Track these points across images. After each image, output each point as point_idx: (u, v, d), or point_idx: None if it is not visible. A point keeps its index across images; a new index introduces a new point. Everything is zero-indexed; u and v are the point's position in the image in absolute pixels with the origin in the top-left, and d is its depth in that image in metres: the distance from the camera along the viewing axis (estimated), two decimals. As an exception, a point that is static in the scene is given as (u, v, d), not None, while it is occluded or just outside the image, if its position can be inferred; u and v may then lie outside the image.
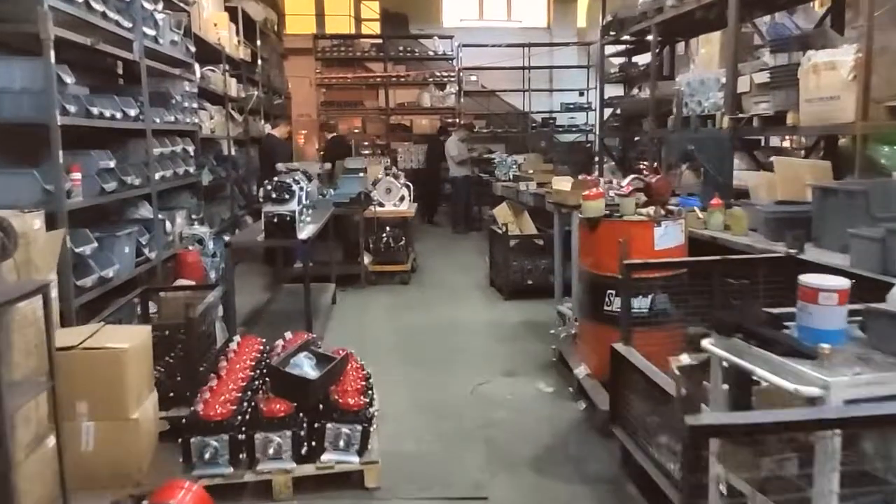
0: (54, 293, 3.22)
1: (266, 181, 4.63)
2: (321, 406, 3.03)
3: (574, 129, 14.28)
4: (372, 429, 3.06)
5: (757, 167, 6.10)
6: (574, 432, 3.61)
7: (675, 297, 3.51)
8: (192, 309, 3.41)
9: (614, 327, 3.80)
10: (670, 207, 3.89)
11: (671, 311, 3.64)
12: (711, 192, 4.64)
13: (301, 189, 4.65)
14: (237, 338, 3.85)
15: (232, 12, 9.09)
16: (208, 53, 7.54)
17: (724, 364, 2.08)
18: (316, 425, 2.97)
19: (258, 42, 10.74)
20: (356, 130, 13.60)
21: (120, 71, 6.02)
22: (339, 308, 6.36)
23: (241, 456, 2.92)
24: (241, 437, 2.89)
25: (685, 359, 3.13)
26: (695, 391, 2.65)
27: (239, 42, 9.30)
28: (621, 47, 10.45)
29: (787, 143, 8.27)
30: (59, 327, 3.34)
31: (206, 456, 2.86)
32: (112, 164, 4.56)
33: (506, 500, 2.98)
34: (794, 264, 3.17)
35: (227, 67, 8.28)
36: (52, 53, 3.74)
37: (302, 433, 2.92)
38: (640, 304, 3.66)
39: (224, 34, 8.11)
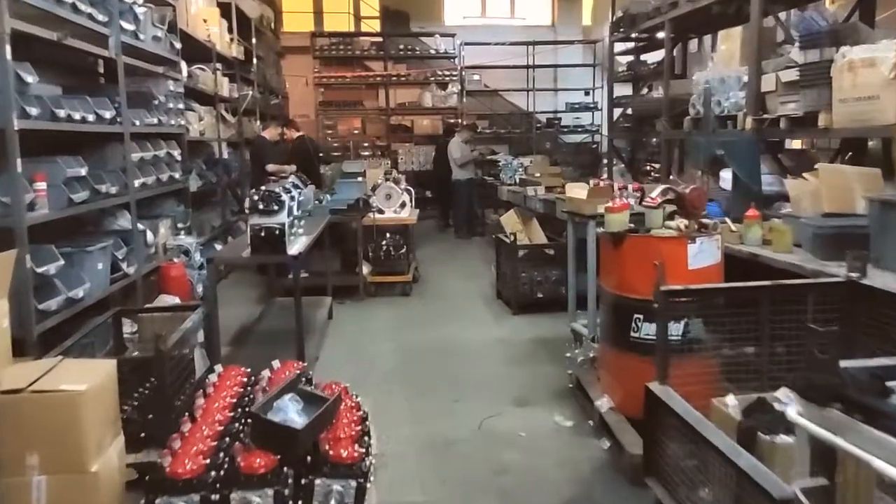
0: (5, 323, 2.82)
1: (252, 190, 4.21)
2: (309, 458, 2.61)
3: (579, 129, 13.88)
4: (368, 484, 2.63)
5: (783, 172, 5.69)
6: (599, 480, 3.18)
7: (711, 322, 3.09)
8: (164, 340, 2.98)
9: (642, 356, 3.40)
10: (704, 220, 3.46)
11: (705, 337, 3.23)
12: (742, 202, 4.21)
13: (292, 199, 4.22)
14: (218, 367, 3.43)
15: (225, 8, 8.67)
16: (197, 51, 7.13)
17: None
18: (303, 482, 2.55)
19: (253, 40, 10.34)
20: (356, 131, 13.20)
21: (102, 70, 5.59)
22: (335, 324, 5.94)
23: (215, 519, 2.50)
24: (215, 496, 2.46)
25: (731, 401, 2.73)
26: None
27: (232, 39, 8.89)
28: (629, 45, 10.04)
29: (803, 145, 7.87)
30: (14, 360, 2.94)
31: (175, 519, 2.44)
32: (83, 171, 4.15)
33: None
34: (854, 290, 2.75)
35: (218, 66, 7.86)
36: (9, 49, 3.34)
37: (286, 492, 2.49)
38: (672, 330, 3.23)
39: (215, 31, 7.69)
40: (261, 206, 4.00)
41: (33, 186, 3.64)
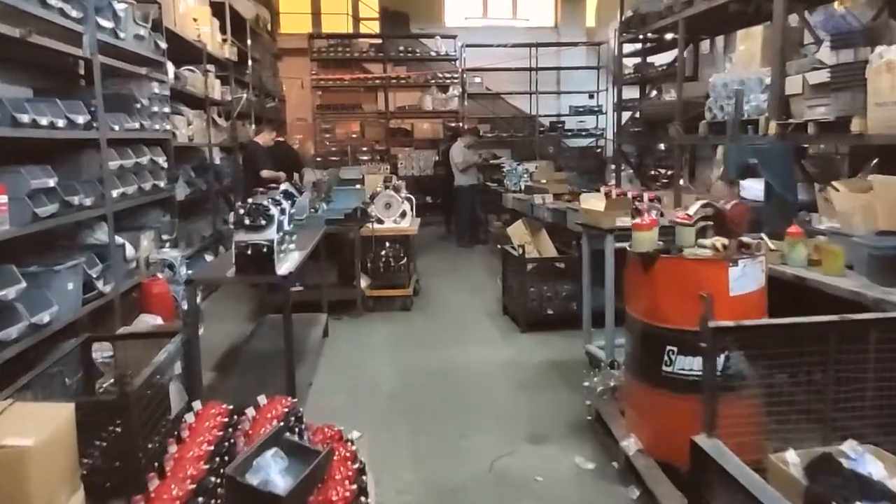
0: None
1: (239, 203, 3.82)
2: (296, 526, 2.22)
3: (584, 133, 13.50)
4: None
5: (809, 182, 5.32)
6: (630, 539, 2.80)
7: (757, 356, 2.71)
8: (129, 381, 2.59)
9: (675, 392, 3.01)
10: (745, 239, 3.06)
11: (748, 373, 2.85)
12: (778, 215, 3.83)
13: (282, 212, 3.83)
14: (197, 404, 3.03)
15: (218, 8, 8.29)
16: (186, 51, 6.74)
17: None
18: (288, 555, 2.17)
19: (248, 41, 9.97)
20: (354, 135, 12.82)
21: (83, 71, 5.20)
22: (331, 342, 5.54)
23: None
24: (183, 576, 2.08)
25: (792, 458, 2.34)
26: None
27: (225, 40, 8.51)
28: (636, 46, 9.68)
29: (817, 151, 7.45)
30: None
31: None
32: (51, 182, 3.76)
33: None
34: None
35: (209, 67, 7.47)
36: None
37: (268, 568, 2.11)
38: (711, 365, 2.85)
39: (206, 30, 7.30)
40: (247, 221, 3.60)
41: (-9, 200, 3.26)
